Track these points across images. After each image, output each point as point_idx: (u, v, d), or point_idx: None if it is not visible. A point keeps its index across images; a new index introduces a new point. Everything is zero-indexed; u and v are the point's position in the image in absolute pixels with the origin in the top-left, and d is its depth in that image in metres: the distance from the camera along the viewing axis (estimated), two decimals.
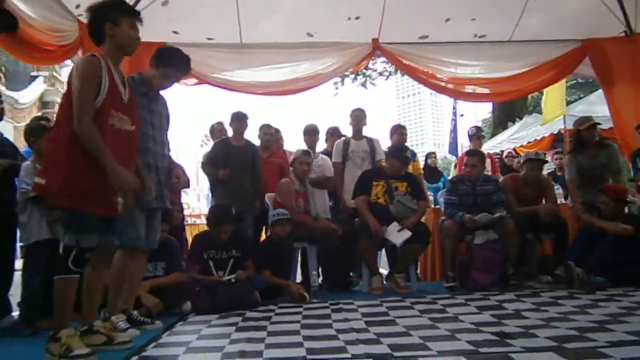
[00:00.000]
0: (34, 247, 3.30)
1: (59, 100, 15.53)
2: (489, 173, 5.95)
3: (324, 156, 5.38)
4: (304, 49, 5.69)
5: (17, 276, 3.41)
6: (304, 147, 5.18)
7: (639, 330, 2.48)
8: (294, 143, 6.59)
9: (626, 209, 4.88)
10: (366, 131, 5.36)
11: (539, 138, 8.90)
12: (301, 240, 4.54)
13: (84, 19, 4.62)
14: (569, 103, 9.39)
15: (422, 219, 4.77)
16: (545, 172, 5.28)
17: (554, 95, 8.15)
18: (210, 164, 5.03)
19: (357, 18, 5.42)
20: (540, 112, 11.29)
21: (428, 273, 5.66)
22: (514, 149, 8.41)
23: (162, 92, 3.26)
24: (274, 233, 4.36)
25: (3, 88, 11.93)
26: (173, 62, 3.15)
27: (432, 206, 6.07)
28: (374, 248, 4.65)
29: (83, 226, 2.48)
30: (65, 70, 14.65)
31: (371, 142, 5.25)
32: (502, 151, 8.41)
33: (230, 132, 5.23)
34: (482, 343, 2.38)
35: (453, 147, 11.67)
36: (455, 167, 7.61)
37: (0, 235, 3.28)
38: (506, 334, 2.54)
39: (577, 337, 2.42)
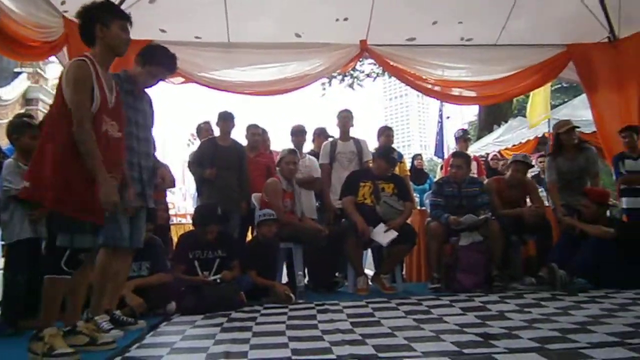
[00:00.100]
0: (16, 245, 3.25)
1: (42, 97, 15.43)
2: (475, 175, 5.99)
3: (311, 157, 5.38)
4: (292, 49, 5.70)
5: None
6: (291, 147, 5.18)
7: (619, 331, 2.52)
8: (281, 143, 6.58)
9: (608, 212, 4.95)
10: (353, 132, 5.37)
11: (523, 141, 9.00)
12: (287, 241, 4.53)
13: (70, 16, 4.60)
14: (553, 107, 9.50)
15: (408, 220, 4.80)
16: (529, 174, 5.32)
17: (539, 99, 8.25)
18: (196, 163, 5.01)
19: (346, 19, 5.43)
20: (524, 116, 11.43)
21: (413, 274, 5.68)
22: (499, 152, 8.50)
23: (147, 90, 3.23)
24: (260, 233, 4.35)
25: None
26: (159, 60, 3.13)
27: (418, 208, 6.10)
28: (360, 249, 4.66)
29: (78, 228, 2.47)
30: (49, 67, 14.46)
31: (358, 143, 5.27)
32: (488, 154, 8.49)
33: (217, 132, 5.21)
34: (466, 344, 2.39)
35: (439, 149, 11.75)
36: (441, 169, 7.66)
37: None
38: (490, 335, 2.56)
39: (560, 338, 2.45)
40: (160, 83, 3.33)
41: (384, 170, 4.75)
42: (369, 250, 5.06)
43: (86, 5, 2.66)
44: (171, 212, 7.90)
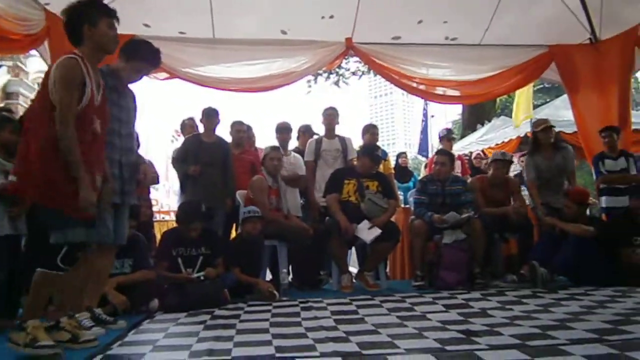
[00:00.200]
0: None
1: (23, 91, 15.18)
2: (458, 173, 6.05)
3: (295, 154, 5.37)
4: (277, 46, 5.68)
5: None
6: (275, 144, 5.16)
7: (598, 328, 2.57)
8: (266, 140, 6.55)
9: (587, 211, 5.04)
10: (339, 130, 5.38)
11: (506, 140, 9.09)
12: (272, 238, 4.52)
13: (51, 9, 4.52)
14: (535, 107, 9.62)
15: (392, 218, 4.82)
16: (512, 173, 5.39)
17: (523, 99, 8.35)
18: (180, 160, 4.97)
19: (332, 17, 5.43)
20: (507, 115, 11.54)
21: (397, 272, 5.72)
22: (482, 151, 8.56)
23: (131, 86, 3.19)
24: (245, 231, 4.33)
25: None
26: (143, 55, 3.08)
27: (402, 206, 6.14)
28: (344, 246, 4.68)
29: (69, 221, 2.45)
30: (30, 60, 14.22)
31: (343, 141, 5.27)
32: (471, 152, 8.56)
33: (201, 128, 5.17)
34: (448, 341, 2.42)
35: (423, 148, 11.81)
36: (425, 167, 7.71)
37: None
38: (472, 332, 2.59)
39: (540, 334, 2.48)
40: (144, 78, 3.30)
41: (368, 167, 4.76)
42: (353, 248, 5.08)
43: (72, 4, 2.63)
44: (154, 208, 7.83)
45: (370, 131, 5.56)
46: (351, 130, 5.93)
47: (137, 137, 3.33)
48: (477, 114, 11.17)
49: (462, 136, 11.29)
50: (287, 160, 5.10)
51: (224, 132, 5.25)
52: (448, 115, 25.47)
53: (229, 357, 2.28)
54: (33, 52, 5.28)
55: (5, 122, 3.34)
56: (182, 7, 5.16)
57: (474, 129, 10.96)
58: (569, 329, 2.59)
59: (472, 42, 5.92)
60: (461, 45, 5.95)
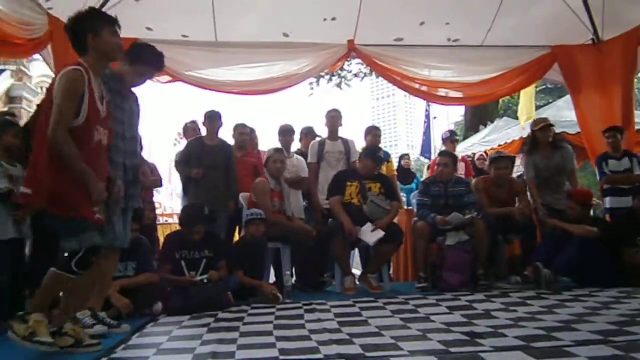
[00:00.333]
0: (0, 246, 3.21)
1: (26, 95, 15.19)
2: (462, 175, 6.03)
3: (299, 157, 5.38)
4: (279, 49, 5.69)
5: None
6: (278, 146, 5.16)
7: (603, 329, 2.55)
8: (269, 143, 6.55)
9: (591, 212, 5.02)
10: (342, 132, 5.38)
11: (509, 141, 9.07)
12: (275, 241, 4.52)
13: (54, 13, 4.54)
14: (538, 108, 9.61)
15: (395, 220, 4.82)
16: (515, 175, 5.37)
17: (526, 100, 8.36)
18: (183, 163, 4.97)
19: (334, 19, 5.43)
20: (510, 116, 11.53)
21: (401, 274, 5.71)
22: (486, 152, 8.55)
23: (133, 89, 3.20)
24: (248, 233, 4.33)
25: None
26: (147, 59, 3.10)
27: (405, 207, 6.13)
28: (347, 249, 4.67)
29: (80, 227, 2.49)
30: (33, 64, 14.26)
31: (347, 143, 5.28)
32: (474, 154, 8.54)
33: (204, 132, 5.18)
34: (452, 343, 2.41)
35: (426, 150, 11.80)
36: (428, 169, 7.69)
37: None
38: (476, 334, 2.58)
39: (545, 336, 2.47)
40: (147, 82, 3.31)
41: (371, 169, 4.76)
42: (357, 250, 5.07)
43: (74, 16, 2.68)
44: (158, 212, 7.84)
45: (373, 133, 5.56)
46: (354, 133, 5.97)
47: (140, 141, 3.34)
48: (480, 115, 11.16)
49: (465, 137, 11.28)
50: (290, 163, 5.10)
51: (227, 135, 5.26)
52: (451, 116, 25.42)
53: None
54: (36, 56, 5.30)
55: (8, 126, 3.36)
56: (184, 11, 5.18)
57: (476, 131, 10.95)
58: (574, 330, 2.58)
59: (474, 44, 5.92)
60: (463, 46, 5.95)
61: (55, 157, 2.45)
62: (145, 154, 4.29)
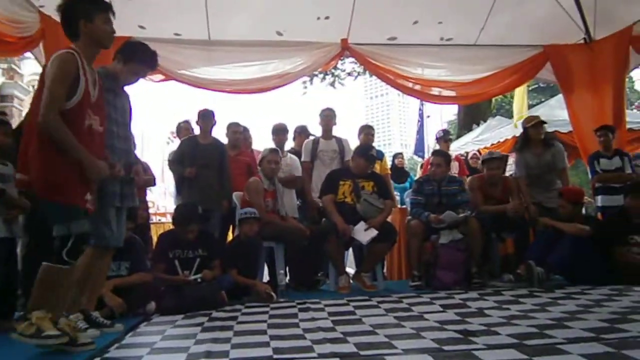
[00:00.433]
0: None
1: (17, 93, 15.11)
2: (456, 174, 6.05)
3: (292, 155, 5.37)
4: (273, 47, 5.68)
5: None
6: (272, 146, 5.16)
7: (595, 327, 2.57)
8: (262, 142, 6.54)
9: (583, 210, 5.05)
10: (335, 131, 5.38)
11: (502, 140, 9.11)
12: (269, 240, 4.52)
13: (46, 11, 4.51)
14: (530, 107, 9.65)
15: (389, 219, 4.82)
16: (508, 174, 5.40)
17: (519, 99, 8.40)
18: (177, 162, 4.96)
19: (327, 18, 5.43)
20: (503, 115, 11.56)
21: (394, 272, 5.73)
22: (479, 151, 8.59)
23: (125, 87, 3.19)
24: (242, 232, 4.32)
25: None
26: (140, 58, 3.09)
27: (399, 206, 6.14)
28: (341, 247, 4.68)
29: (71, 214, 2.47)
30: (25, 62, 14.17)
31: (340, 142, 5.28)
32: (467, 152, 8.57)
33: (197, 131, 5.16)
34: (446, 341, 2.42)
35: (419, 148, 11.82)
36: (421, 167, 7.72)
37: None
38: (469, 332, 2.59)
39: (537, 334, 2.48)
40: (140, 80, 3.29)
41: (363, 168, 4.76)
42: (350, 249, 5.08)
43: (67, 0, 2.63)
44: (151, 210, 7.81)
45: (365, 131, 5.57)
46: (347, 131, 5.97)
47: (133, 139, 3.32)
48: (472, 114, 11.20)
49: (458, 136, 11.33)
50: (283, 162, 5.09)
51: (220, 133, 5.25)
52: (444, 115, 25.55)
53: (227, 359, 2.28)
54: (28, 54, 5.27)
55: None
56: (177, 9, 5.15)
57: (469, 129, 10.99)
58: (566, 327, 2.60)
59: (467, 43, 5.94)
60: (456, 45, 5.97)
61: (46, 143, 2.41)
62: (138, 153, 4.27)
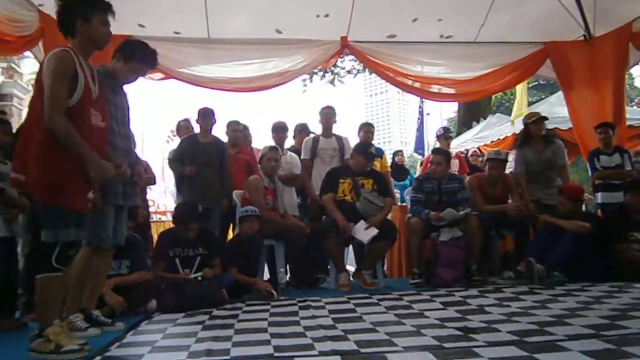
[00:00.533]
0: None
1: (17, 92, 15.10)
2: (456, 172, 6.05)
3: (292, 153, 5.37)
4: (272, 45, 5.67)
5: None
6: (272, 144, 5.16)
7: (595, 323, 2.58)
8: (262, 140, 6.54)
9: (583, 207, 5.05)
10: (335, 129, 5.38)
11: (502, 137, 9.11)
12: (269, 238, 4.52)
13: (45, 9, 4.50)
14: (530, 104, 9.65)
15: (389, 216, 4.82)
16: (507, 171, 5.40)
17: (520, 97, 8.40)
18: (177, 160, 4.96)
19: (327, 16, 5.42)
20: (503, 112, 11.55)
21: (395, 270, 5.73)
22: (479, 148, 8.58)
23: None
24: (242, 230, 4.33)
25: None
26: (140, 56, 3.08)
27: (399, 204, 6.14)
28: (341, 245, 4.68)
29: (61, 221, 2.43)
30: (24, 61, 14.15)
31: (340, 140, 5.27)
32: (467, 150, 8.57)
33: (196, 129, 5.16)
34: (446, 338, 2.42)
35: (419, 146, 11.81)
36: (421, 165, 7.71)
37: None
38: (470, 329, 2.59)
39: (538, 331, 2.49)
40: (140, 79, 3.29)
41: (363, 166, 4.76)
42: (350, 246, 5.08)
43: None
44: (151, 209, 7.82)
45: (365, 129, 5.57)
46: (347, 129, 5.97)
47: (133, 138, 3.32)
48: (472, 111, 11.20)
49: (458, 134, 11.32)
50: (283, 160, 5.08)
51: (220, 132, 5.25)
52: (444, 112, 25.63)
53: (228, 357, 2.28)
54: (27, 53, 5.26)
55: None
56: (176, 7, 5.15)
57: (469, 127, 10.99)
58: (566, 324, 2.60)
59: (467, 40, 5.94)
60: (456, 43, 5.96)
61: (49, 143, 2.38)
62: (137, 151, 4.27)
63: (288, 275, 4.83)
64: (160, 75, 5.52)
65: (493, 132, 9.45)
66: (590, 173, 5.51)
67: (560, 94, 6.94)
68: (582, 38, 5.89)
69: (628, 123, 6.20)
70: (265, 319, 3.14)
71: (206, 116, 4.97)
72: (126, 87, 3.18)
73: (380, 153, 5.71)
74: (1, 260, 3.17)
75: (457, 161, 6.52)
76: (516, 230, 4.84)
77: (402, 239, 5.21)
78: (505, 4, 5.47)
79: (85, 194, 2.52)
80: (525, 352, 2.08)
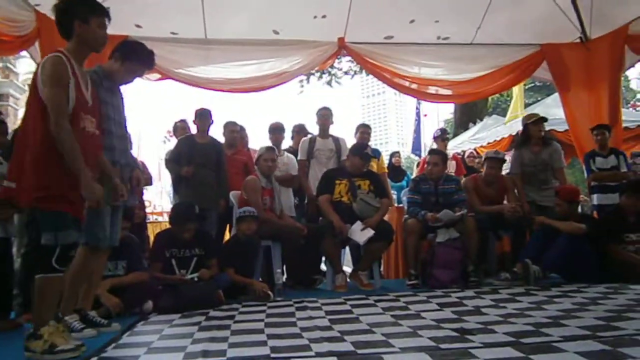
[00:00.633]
0: None
1: (13, 92, 15.07)
2: (453, 173, 6.06)
3: (289, 154, 5.37)
4: (270, 46, 5.67)
5: None
6: (269, 144, 5.15)
7: (591, 324, 2.59)
8: (259, 141, 6.54)
9: (579, 209, 5.07)
10: (332, 130, 5.38)
11: (498, 139, 9.14)
12: (266, 238, 4.52)
13: (42, 9, 4.49)
14: (527, 105, 9.69)
15: (386, 218, 4.83)
16: (504, 172, 5.42)
17: (516, 98, 8.43)
18: (174, 161, 4.94)
19: (324, 17, 5.43)
20: (499, 114, 11.58)
21: (391, 271, 5.73)
22: (475, 149, 8.60)
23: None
24: (240, 231, 4.32)
25: None
26: (138, 57, 3.08)
27: (396, 205, 6.15)
28: (338, 246, 4.68)
29: (60, 224, 2.43)
30: (20, 61, 14.11)
31: (337, 141, 5.28)
32: (464, 151, 8.59)
33: (193, 130, 5.15)
34: (443, 339, 2.43)
35: (416, 147, 11.84)
36: (417, 166, 7.72)
37: None
38: (466, 330, 2.60)
39: (534, 332, 2.50)
40: (136, 79, 3.29)
41: (359, 167, 4.76)
42: (347, 247, 5.08)
43: None
44: (147, 209, 7.80)
45: (361, 130, 5.59)
46: (343, 130, 5.98)
47: (129, 138, 3.31)
48: (469, 112, 11.21)
49: (455, 135, 11.34)
50: (280, 160, 5.09)
51: (217, 132, 5.24)
52: (441, 114, 25.51)
53: (224, 358, 2.28)
54: (23, 53, 5.24)
55: None
56: (173, 8, 5.14)
57: (466, 128, 11.00)
58: (562, 326, 2.61)
59: (464, 42, 5.95)
60: (453, 44, 5.97)
61: (43, 151, 2.39)
62: (134, 152, 4.27)
63: (285, 276, 4.82)
64: (157, 75, 5.52)
65: (489, 133, 9.47)
66: (586, 175, 5.52)
67: (556, 95, 6.97)
68: (578, 40, 5.90)
69: (624, 125, 6.23)
70: (262, 320, 3.14)
71: (203, 117, 4.96)
72: (123, 88, 3.19)
73: (376, 154, 5.72)
74: None
75: (454, 163, 6.54)
76: (513, 231, 4.85)
77: (398, 240, 5.22)
78: (502, 6, 5.49)
79: (80, 198, 2.51)
80: (521, 353, 2.09)
